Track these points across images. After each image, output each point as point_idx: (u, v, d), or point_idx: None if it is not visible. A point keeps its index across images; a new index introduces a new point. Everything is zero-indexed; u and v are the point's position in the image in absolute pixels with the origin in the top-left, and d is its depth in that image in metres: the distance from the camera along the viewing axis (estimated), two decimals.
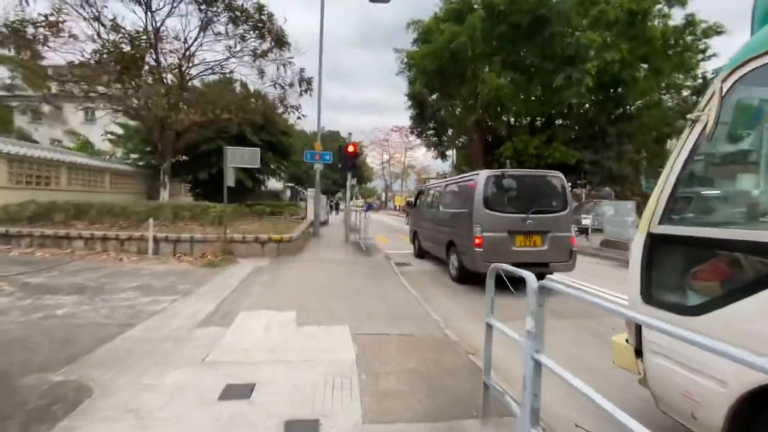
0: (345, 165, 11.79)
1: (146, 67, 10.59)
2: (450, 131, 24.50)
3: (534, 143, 18.00)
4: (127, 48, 9.94)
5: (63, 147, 20.17)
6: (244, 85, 15.42)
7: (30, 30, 9.06)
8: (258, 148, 8.36)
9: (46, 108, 26.47)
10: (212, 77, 14.28)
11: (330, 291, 5.61)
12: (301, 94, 13.78)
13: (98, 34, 10.57)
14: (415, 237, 10.12)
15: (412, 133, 28.15)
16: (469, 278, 6.56)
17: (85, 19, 10.55)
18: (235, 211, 11.42)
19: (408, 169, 59.62)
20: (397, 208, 47.66)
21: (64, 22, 9.34)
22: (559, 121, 21.22)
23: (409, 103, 23.73)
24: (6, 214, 9.09)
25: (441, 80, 19.72)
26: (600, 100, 19.67)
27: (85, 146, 21.55)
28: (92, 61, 10.70)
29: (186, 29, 11.62)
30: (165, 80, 11.54)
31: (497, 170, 6.18)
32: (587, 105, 20.45)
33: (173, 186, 19.87)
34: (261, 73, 13.44)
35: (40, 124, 28.18)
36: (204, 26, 11.97)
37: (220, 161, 8.34)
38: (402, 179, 59.49)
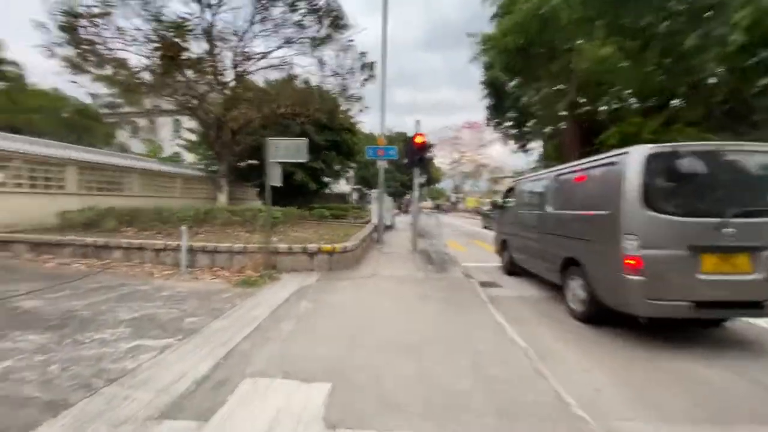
0: (412, 159, 9.89)
1: (196, 59, 9.76)
2: (534, 120, 21.24)
3: (650, 126, 14.24)
4: (170, 34, 9.15)
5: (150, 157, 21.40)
6: (305, 81, 14.43)
7: (82, 25, 8.68)
8: (305, 138, 6.85)
9: (141, 122, 29.19)
10: (272, 73, 13.40)
11: (388, 337, 3.73)
12: (362, 84, 12.23)
13: (156, 32, 10.08)
14: (503, 247, 7.81)
15: (488, 124, 25.18)
16: (604, 316, 4.21)
17: (145, 19, 10.20)
18: (287, 215, 10.18)
19: (480, 168, 55.74)
20: (469, 209, 44.51)
21: (109, 14, 8.83)
22: (674, 102, 16.84)
23: (485, 92, 21.07)
24: (64, 221, 8.84)
25: (524, 59, 16.82)
26: (742, 67, 15.05)
27: (159, 152, 22.74)
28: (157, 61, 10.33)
29: (240, 21, 10.81)
30: (217, 76, 10.73)
31: (664, 145, 3.72)
32: (718, 74, 15.86)
33: (243, 190, 19.82)
34: (321, 63, 12.19)
35: (137, 137, 31.18)
36: (260, 13, 10.96)
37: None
38: (476, 178, 55.92)
